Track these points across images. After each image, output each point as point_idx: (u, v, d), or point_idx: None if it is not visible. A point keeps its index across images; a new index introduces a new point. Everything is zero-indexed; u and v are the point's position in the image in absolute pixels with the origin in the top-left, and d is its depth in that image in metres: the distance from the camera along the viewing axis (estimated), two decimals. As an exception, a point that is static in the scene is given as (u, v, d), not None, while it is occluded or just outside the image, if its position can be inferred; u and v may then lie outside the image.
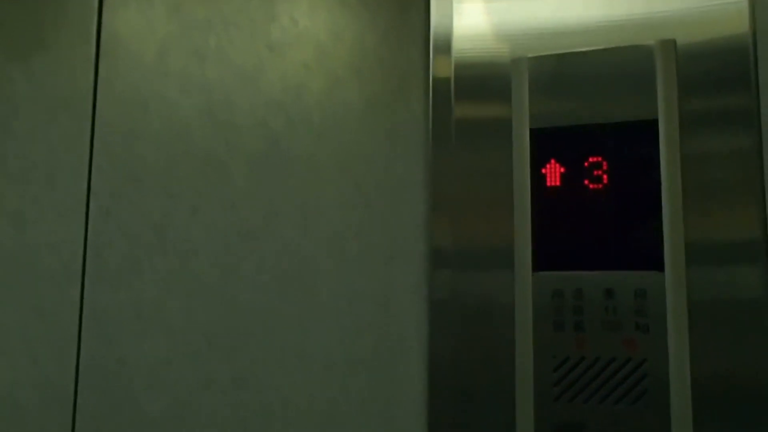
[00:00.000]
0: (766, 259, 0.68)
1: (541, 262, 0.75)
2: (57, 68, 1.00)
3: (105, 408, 0.91)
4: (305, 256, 0.87)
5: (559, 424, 0.72)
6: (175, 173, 0.93)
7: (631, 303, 0.71)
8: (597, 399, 0.71)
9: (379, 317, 0.83)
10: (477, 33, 0.82)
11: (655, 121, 0.72)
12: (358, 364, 0.83)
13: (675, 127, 0.72)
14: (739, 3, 0.72)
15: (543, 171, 0.76)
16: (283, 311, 0.87)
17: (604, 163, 0.74)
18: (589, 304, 0.72)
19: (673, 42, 0.74)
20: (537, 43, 0.79)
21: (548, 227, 0.75)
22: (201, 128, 0.93)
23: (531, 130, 0.77)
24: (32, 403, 0.94)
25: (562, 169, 0.75)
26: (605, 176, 0.74)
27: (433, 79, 0.83)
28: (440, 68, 0.83)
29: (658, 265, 0.71)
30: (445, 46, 0.83)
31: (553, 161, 0.76)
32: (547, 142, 0.76)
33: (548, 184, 0.76)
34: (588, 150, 0.75)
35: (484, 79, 0.81)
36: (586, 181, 0.74)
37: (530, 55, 0.78)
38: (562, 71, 0.77)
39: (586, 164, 0.74)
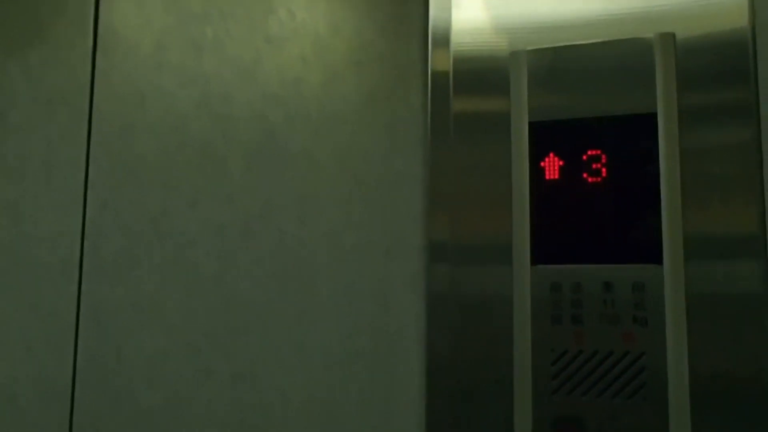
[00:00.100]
0: (764, 254, 0.68)
1: (539, 256, 0.74)
2: (54, 62, 1.00)
3: (102, 401, 0.91)
4: (303, 250, 0.87)
5: (557, 418, 0.72)
6: (173, 166, 0.93)
7: (629, 296, 0.71)
8: (595, 392, 0.71)
9: (377, 311, 0.83)
10: (475, 26, 0.82)
11: (654, 115, 0.72)
12: (356, 358, 0.83)
13: (674, 120, 0.72)
14: (739, -3, 0.72)
15: (542, 164, 0.76)
16: (281, 305, 0.87)
17: (603, 156, 0.74)
18: (588, 298, 0.72)
19: (673, 35, 0.73)
20: (536, 36, 0.79)
21: (547, 221, 0.75)
22: (198, 121, 0.92)
23: (530, 124, 0.77)
24: (30, 397, 0.94)
25: (561, 163, 0.75)
26: (604, 170, 0.73)
27: (432, 73, 0.83)
28: (439, 62, 0.83)
29: (656, 258, 0.70)
30: (444, 39, 0.83)
31: (551, 155, 0.76)
32: (545, 136, 0.76)
33: (547, 177, 0.75)
34: (587, 143, 0.74)
35: (482, 73, 0.81)
36: (584, 175, 0.74)
37: (529, 48, 0.78)
38: (561, 64, 0.77)
39: (584, 157, 0.74)
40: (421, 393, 0.80)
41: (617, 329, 0.71)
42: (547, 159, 0.76)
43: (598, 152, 0.74)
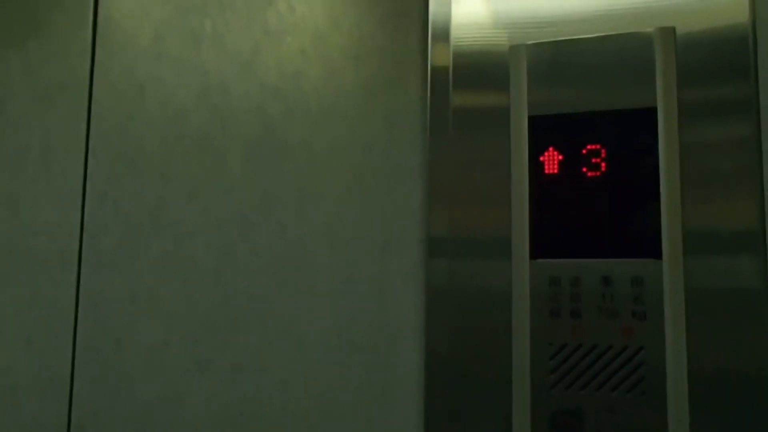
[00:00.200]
0: (763, 248, 0.68)
1: (538, 250, 0.74)
2: (53, 54, 1.00)
3: (101, 393, 0.91)
4: (301, 243, 0.87)
5: (555, 411, 0.72)
6: (172, 158, 0.92)
7: (628, 291, 0.71)
8: (594, 386, 0.71)
9: (375, 304, 0.83)
10: (475, 21, 0.81)
11: (654, 109, 0.72)
12: (354, 351, 0.83)
13: (674, 115, 0.72)
14: (739, -8, 0.72)
15: (541, 159, 0.76)
16: (279, 297, 0.87)
17: (603, 150, 0.74)
18: (586, 292, 0.72)
19: (673, 30, 0.73)
20: (536, 30, 0.79)
21: (546, 215, 0.75)
22: (197, 113, 0.92)
23: (529, 118, 0.77)
24: (29, 388, 0.94)
25: (561, 157, 0.75)
26: (603, 164, 0.73)
27: (431, 67, 0.83)
28: (438, 56, 0.82)
29: (655, 253, 0.71)
30: (444, 34, 0.82)
31: (551, 149, 0.75)
32: (545, 130, 0.76)
33: (546, 171, 0.75)
34: (586, 138, 0.74)
35: (482, 67, 0.80)
36: (584, 169, 0.74)
37: (529, 42, 0.78)
38: (561, 58, 0.77)
39: (584, 152, 0.74)
40: (419, 386, 0.80)
41: (616, 323, 0.71)
42: (546, 153, 0.76)
43: (598, 147, 0.74)
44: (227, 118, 0.91)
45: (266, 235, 0.88)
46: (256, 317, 0.87)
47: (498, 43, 0.80)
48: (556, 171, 0.75)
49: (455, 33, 0.82)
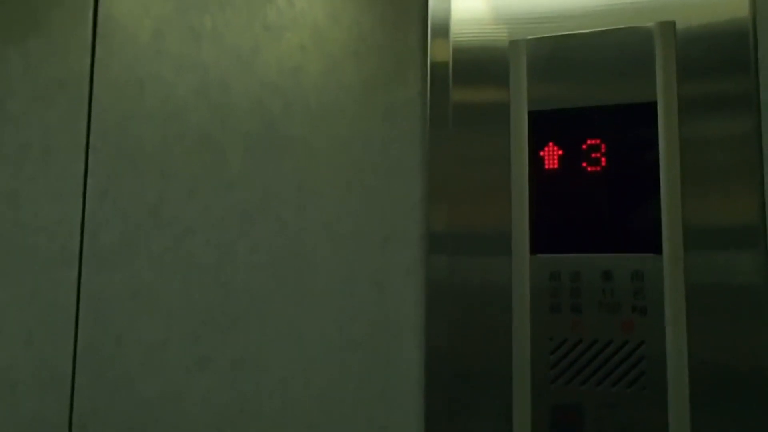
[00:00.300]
0: (763, 244, 0.68)
1: (538, 245, 0.74)
2: (53, 51, 1.00)
3: (102, 389, 0.91)
4: (301, 239, 0.87)
5: (555, 407, 0.72)
6: (172, 155, 0.92)
7: (628, 285, 0.71)
8: (594, 381, 0.71)
9: (375, 299, 0.83)
10: (475, 16, 0.81)
11: (654, 104, 0.72)
12: (354, 347, 0.83)
13: (674, 110, 0.72)
14: (740, -14, 0.72)
15: (541, 154, 0.76)
16: (280, 294, 0.87)
17: (603, 145, 0.74)
18: (587, 287, 0.72)
19: (673, 24, 0.73)
20: (535, 25, 0.79)
21: (546, 210, 0.75)
22: (197, 110, 0.92)
23: (529, 113, 0.77)
24: (30, 385, 0.94)
25: (560, 152, 0.75)
26: (603, 159, 0.73)
27: (431, 63, 0.83)
28: (438, 52, 0.82)
29: (656, 247, 0.70)
30: (443, 29, 0.82)
31: (551, 144, 0.75)
32: (545, 125, 0.76)
33: (546, 166, 0.75)
34: (586, 132, 0.74)
35: (482, 63, 0.80)
36: (584, 164, 0.74)
37: (528, 37, 0.78)
38: (561, 53, 0.76)
39: (584, 147, 0.74)
40: (419, 382, 0.80)
41: (616, 318, 0.71)
42: (546, 148, 0.76)
43: (598, 141, 0.74)
44: (227, 115, 0.91)
45: (266, 231, 0.88)
46: (256, 314, 0.87)
47: (498, 38, 0.80)
48: (556, 166, 0.75)
49: (455, 28, 0.82)
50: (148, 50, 0.95)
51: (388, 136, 0.86)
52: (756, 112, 0.70)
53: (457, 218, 0.79)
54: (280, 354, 0.86)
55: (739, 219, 0.69)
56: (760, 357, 0.67)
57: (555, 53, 0.77)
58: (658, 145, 0.72)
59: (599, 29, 0.76)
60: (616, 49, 0.74)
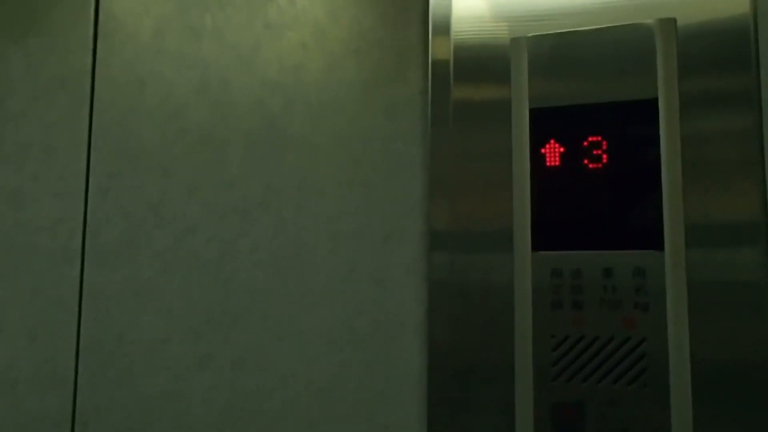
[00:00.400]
0: (765, 240, 0.68)
1: (540, 242, 0.74)
2: (54, 49, 1.00)
3: (104, 387, 0.91)
4: (302, 236, 0.87)
5: (557, 404, 0.72)
6: (173, 153, 0.93)
7: (630, 282, 0.71)
8: (596, 378, 0.71)
9: (376, 297, 0.83)
10: (476, 13, 0.81)
11: (655, 101, 0.72)
12: (356, 344, 0.83)
13: (675, 106, 0.72)
14: (740, -18, 0.72)
15: (542, 151, 0.76)
16: (281, 290, 0.87)
17: (604, 142, 0.73)
18: (588, 284, 0.72)
19: (674, 21, 0.73)
20: (536, 22, 0.79)
21: (547, 207, 0.75)
22: (198, 108, 0.92)
23: (530, 110, 0.76)
24: (32, 383, 0.94)
25: (562, 149, 0.75)
26: (605, 156, 0.73)
27: (432, 61, 0.83)
28: (439, 49, 0.82)
29: (657, 244, 0.70)
30: (444, 27, 0.82)
31: (552, 141, 0.75)
32: (546, 122, 0.76)
33: (548, 164, 0.75)
34: (587, 129, 0.74)
35: (483, 60, 0.80)
36: (585, 161, 0.74)
37: (529, 34, 0.78)
38: (562, 50, 0.76)
39: (585, 144, 0.74)
40: (421, 379, 0.80)
41: (618, 315, 0.71)
42: (547, 145, 0.76)
43: (599, 138, 0.74)
44: (228, 112, 0.91)
45: (267, 228, 0.88)
46: (257, 312, 0.87)
47: (499, 35, 0.80)
48: (557, 163, 0.75)
49: (456, 26, 0.82)
50: (149, 49, 0.95)
51: (389, 133, 0.86)
52: (757, 109, 0.70)
53: (459, 215, 0.79)
54: (281, 352, 0.86)
55: (740, 215, 0.69)
56: (762, 353, 0.67)
57: (556, 50, 0.77)
58: (659, 141, 0.71)
59: (600, 26, 0.75)
60: (617, 46, 0.74)
